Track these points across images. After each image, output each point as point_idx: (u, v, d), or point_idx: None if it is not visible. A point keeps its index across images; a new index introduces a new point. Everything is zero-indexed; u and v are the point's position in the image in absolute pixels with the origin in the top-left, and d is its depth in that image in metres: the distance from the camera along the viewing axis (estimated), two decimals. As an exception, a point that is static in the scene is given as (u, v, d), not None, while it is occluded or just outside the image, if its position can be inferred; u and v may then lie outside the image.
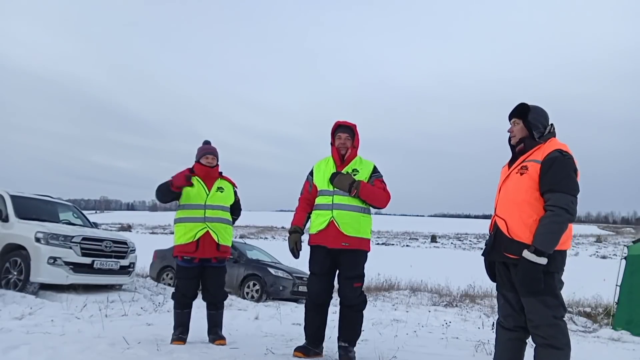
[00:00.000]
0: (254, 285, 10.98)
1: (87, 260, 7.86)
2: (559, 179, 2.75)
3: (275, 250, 15.02)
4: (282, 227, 70.70)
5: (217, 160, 4.66)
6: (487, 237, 3.12)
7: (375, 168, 4.10)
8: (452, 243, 63.53)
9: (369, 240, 4.01)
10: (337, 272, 4.02)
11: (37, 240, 7.50)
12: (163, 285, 10.56)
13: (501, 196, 3.00)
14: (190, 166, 4.65)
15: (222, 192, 4.62)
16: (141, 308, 7.09)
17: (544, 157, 2.82)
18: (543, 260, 2.68)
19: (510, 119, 3.08)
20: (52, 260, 7.48)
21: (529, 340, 2.93)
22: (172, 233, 4.69)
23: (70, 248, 7.70)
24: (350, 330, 3.96)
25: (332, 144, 4.11)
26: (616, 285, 9.62)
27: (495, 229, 2.98)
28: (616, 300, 9.55)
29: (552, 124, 3.02)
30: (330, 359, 4.02)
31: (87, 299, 7.15)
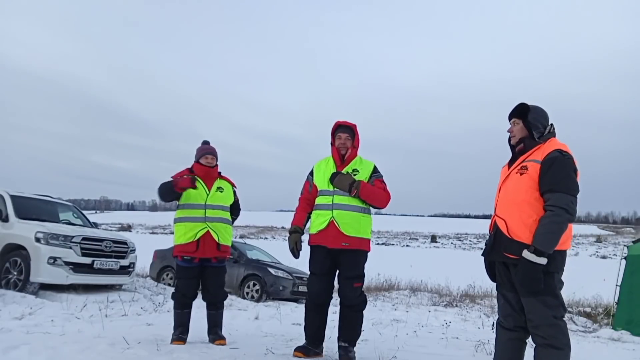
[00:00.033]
0: (254, 285, 10.98)
1: (87, 260, 7.86)
2: (558, 179, 2.75)
3: (275, 250, 15.02)
4: (282, 227, 70.70)
5: (217, 160, 4.67)
6: (487, 237, 3.12)
7: (375, 168, 4.10)
8: (452, 243, 63.54)
9: (369, 240, 4.01)
10: (337, 272, 4.02)
11: (37, 240, 7.50)
12: (163, 285, 10.56)
13: (501, 196, 3.00)
14: (190, 166, 4.66)
15: (221, 192, 4.62)
16: (141, 308, 7.09)
17: (544, 157, 2.82)
18: (543, 260, 2.68)
19: (510, 119, 3.08)
20: (52, 260, 7.48)
21: (529, 340, 2.93)
22: (172, 233, 4.69)
23: (70, 248, 7.70)
24: (350, 330, 3.96)
25: (332, 144, 4.11)
26: (616, 285, 9.62)
27: (495, 229, 2.98)
28: (616, 300, 9.55)
29: (552, 124, 3.02)
30: (330, 359, 4.02)
31: (87, 299, 7.15)
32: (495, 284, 3.11)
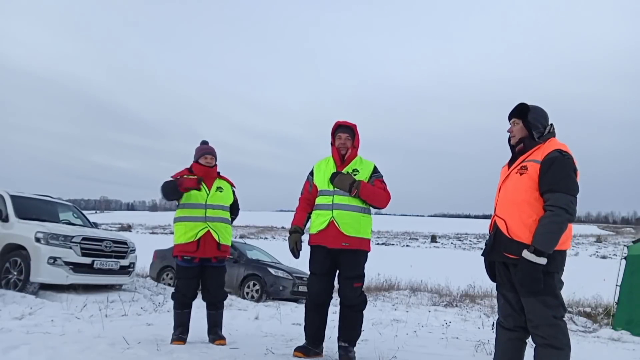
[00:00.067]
0: (254, 285, 10.98)
1: (87, 260, 7.86)
2: (558, 179, 2.75)
3: (275, 250, 15.02)
4: (282, 227, 70.71)
5: (216, 160, 4.67)
6: (487, 237, 3.12)
7: (375, 168, 4.10)
8: (452, 243, 63.53)
9: (369, 240, 4.01)
10: (337, 272, 4.02)
11: (37, 240, 7.50)
12: (163, 285, 10.56)
13: (501, 196, 3.00)
14: (189, 166, 4.66)
15: (221, 191, 4.62)
16: (141, 308, 7.09)
17: (544, 157, 2.82)
18: (543, 260, 2.68)
19: (509, 119, 3.08)
20: (52, 260, 7.48)
21: (529, 340, 2.93)
22: (172, 233, 4.69)
23: (70, 248, 7.70)
24: (351, 330, 3.96)
25: (333, 144, 4.11)
26: (616, 285, 9.62)
27: (495, 229, 2.98)
28: (616, 300, 9.55)
29: (551, 124, 3.02)
30: (330, 359, 4.02)
31: (87, 299, 7.15)
32: (495, 284, 3.11)
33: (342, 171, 3.99)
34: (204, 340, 4.52)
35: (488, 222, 3.14)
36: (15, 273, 7.53)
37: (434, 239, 66.11)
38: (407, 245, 58.90)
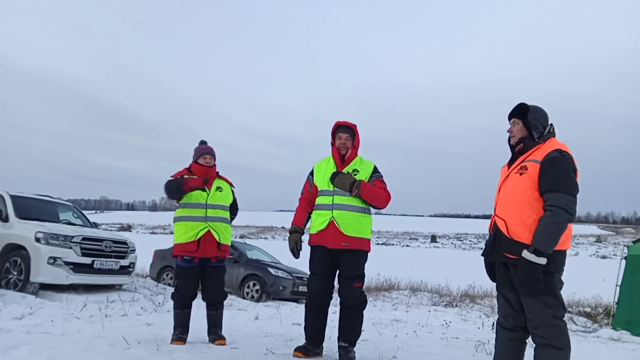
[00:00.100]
0: (254, 285, 10.98)
1: (87, 260, 7.86)
2: (558, 179, 2.75)
3: (275, 250, 15.02)
4: (282, 227, 70.73)
5: (215, 160, 4.67)
6: (487, 237, 3.12)
7: (375, 168, 4.10)
8: (452, 243, 63.55)
9: (369, 240, 4.01)
10: (338, 272, 4.02)
11: (37, 240, 7.50)
12: (163, 285, 10.57)
13: (501, 196, 3.00)
14: (187, 166, 4.66)
15: (221, 191, 4.63)
16: (141, 308, 7.09)
17: (544, 157, 2.82)
18: (542, 260, 2.68)
19: (509, 119, 3.08)
20: (52, 260, 7.48)
21: (529, 340, 2.93)
22: (172, 233, 4.69)
23: (70, 248, 7.70)
24: (351, 330, 3.96)
25: (333, 144, 4.11)
26: (616, 285, 9.62)
27: (494, 229, 2.98)
28: (616, 300, 9.55)
29: (551, 124, 3.02)
30: (330, 359, 4.02)
31: (87, 299, 7.15)
32: (495, 284, 3.11)
33: (343, 171, 3.99)
34: (204, 340, 4.52)
35: (488, 222, 3.14)
36: (15, 273, 7.53)
37: (434, 239, 66.12)
38: (407, 245, 58.92)
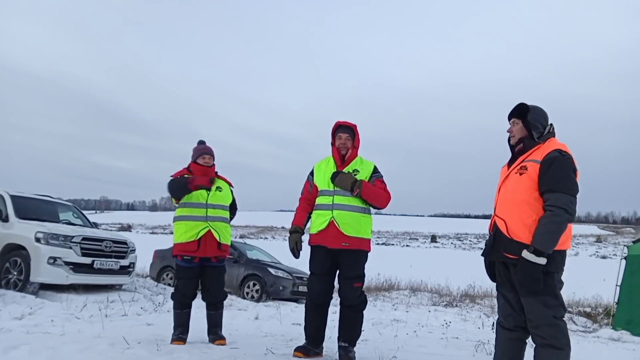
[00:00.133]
0: (254, 285, 10.98)
1: (87, 260, 7.86)
2: (558, 179, 2.75)
3: (275, 250, 15.03)
4: (282, 227, 70.74)
5: (214, 160, 4.67)
6: (487, 237, 3.12)
7: (375, 168, 4.11)
8: (452, 243, 63.55)
9: (369, 240, 4.01)
10: (338, 272, 4.02)
11: (37, 240, 7.50)
12: (163, 285, 10.57)
13: (500, 196, 3.00)
14: (186, 166, 4.66)
15: (220, 191, 4.63)
16: (141, 308, 7.09)
17: (543, 157, 2.82)
18: (542, 260, 2.68)
19: (509, 119, 3.08)
20: (52, 260, 7.48)
21: (529, 340, 2.93)
22: (172, 233, 4.68)
23: (70, 248, 7.70)
24: (351, 330, 3.96)
25: (333, 144, 4.11)
26: (616, 285, 9.62)
27: (494, 229, 2.98)
28: (616, 300, 9.55)
29: (551, 124, 3.02)
30: (330, 359, 4.02)
31: (87, 299, 7.15)
32: (495, 284, 3.11)
33: (343, 171, 3.99)
34: (204, 340, 4.52)
35: (488, 222, 3.14)
36: (15, 273, 7.53)
37: (434, 239, 66.13)
38: (407, 245, 58.92)
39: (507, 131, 3.09)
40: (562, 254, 2.83)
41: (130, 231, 60.75)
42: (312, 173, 4.19)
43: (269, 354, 4.09)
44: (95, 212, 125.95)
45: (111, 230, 15.46)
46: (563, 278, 2.86)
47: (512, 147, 3.07)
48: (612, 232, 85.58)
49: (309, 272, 4.11)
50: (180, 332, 4.43)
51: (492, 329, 6.87)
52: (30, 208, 8.39)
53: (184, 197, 4.49)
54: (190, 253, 4.40)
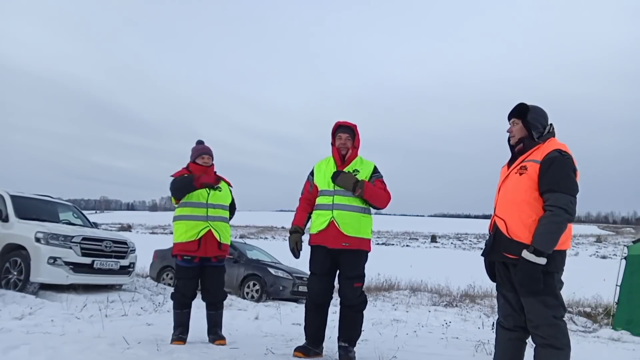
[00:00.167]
0: (254, 285, 10.98)
1: (87, 260, 7.86)
2: (558, 179, 2.75)
3: (275, 250, 15.03)
4: (282, 227, 70.74)
5: (212, 160, 4.67)
6: (487, 237, 3.12)
7: (375, 168, 4.11)
8: (452, 243, 63.55)
9: (369, 240, 4.01)
10: (338, 272, 4.02)
11: (37, 240, 7.50)
12: (163, 285, 10.57)
13: (500, 196, 3.00)
14: (185, 166, 4.66)
15: (220, 191, 4.63)
16: (141, 308, 7.09)
17: (543, 157, 2.82)
18: (542, 260, 2.68)
19: (509, 119, 3.08)
20: (52, 260, 7.48)
21: (529, 340, 2.93)
22: (172, 233, 4.68)
23: (70, 248, 7.70)
24: (351, 330, 3.96)
25: (333, 144, 4.11)
26: (616, 285, 9.62)
27: (494, 229, 2.98)
28: (616, 300, 9.55)
29: (551, 124, 3.02)
30: (330, 359, 4.02)
31: (87, 299, 7.15)
32: (495, 284, 3.12)
33: (344, 170, 3.99)
34: (204, 340, 4.52)
35: (488, 222, 3.14)
36: (15, 273, 7.53)
37: (434, 239, 66.12)
38: (407, 245, 58.91)
39: (507, 131, 3.09)
40: (562, 254, 2.83)
41: (130, 231, 60.75)
42: (312, 173, 4.19)
43: (269, 354, 4.09)
44: (95, 212, 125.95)
45: (111, 230, 15.46)
46: (563, 278, 2.86)
47: (512, 147, 3.07)
48: (612, 232, 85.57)
49: (309, 272, 4.11)
50: (180, 332, 4.43)
51: (492, 329, 6.87)
52: (30, 208, 8.40)
53: (185, 197, 4.49)
54: (191, 253, 4.40)
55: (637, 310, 8.90)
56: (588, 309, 11.35)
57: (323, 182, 4.03)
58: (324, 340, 4.07)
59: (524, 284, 2.74)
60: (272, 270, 11.08)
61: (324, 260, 3.95)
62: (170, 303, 4.71)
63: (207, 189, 4.50)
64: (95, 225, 9.38)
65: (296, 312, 8.14)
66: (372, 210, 4.09)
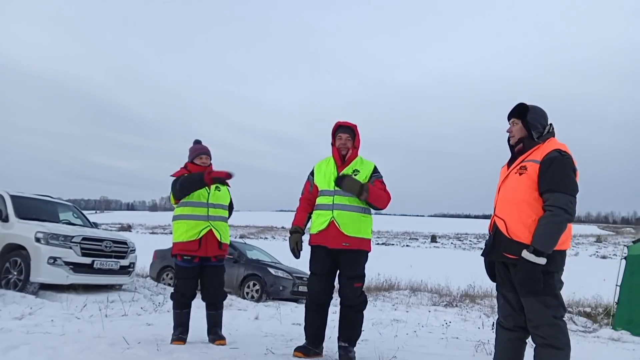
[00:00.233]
0: (254, 285, 10.98)
1: (87, 260, 7.86)
2: (557, 179, 2.75)
3: (275, 250, 15.02)
4: (282, 227, 70.75)
5: (210, 160, 4.66)
6: (487, 237, 3.12)
7: (375, 168, 4.11)
8: (452, 243, 63.55)
9: (369, 240, 4.02)
10: (338, 272, 4.02)
11: (37, 240, 7.50)
12: (163, 285, 10.57)
13: (500, 196, 3.00)
14: (183, 166, 4.65)
15: (219, 190, 4.63)
16: (141, 308, 7.09)
17: (543, 157, 2.82)
18: (542, 260, 2.68)
19: (509, 119, 3.08)
20: (52, 260, 7.48)
21: (529, 340, 2.93)
22: (172, 233, 4.67)
23: (70, 248, 7.70)
24: (351, 330, 3.96)
25: (333, 144, 4.11)
26: (616, 285, 9.62)
27: (494, 229, 2.98)
28: (616, 300, 9.55)
29: (551, 124, 3.02)
30: (330, 359, 4.02)
31: (87, 299, 7.15)
32: (495, 284, 3.12)
33: (343, 171, 3.98)
34: (204, 340, 4.52)
35: (488, 222, 3.14)
36: (15, 273, 7.53)
37: (434, 239, 66.11)
38: (407, 245, 58.91)
39: (507, 131, 3.09)
40: (562, 254, 2.83)
41: (130, 231, 60.75)
42: (312, 173, 4.19)
43: (269, 354, 4.09)
44: (95, 212, 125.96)
45: (111, 230, 15.46)
46: (563, 278, 2.86)
47: (511, 147, 3.07)
48: (612, 232, 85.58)
49: (309, 272, 4.11)
50: (180, 332, 4.43)
51: (492, 329, 6.87)
52: (30, 208, 8.39)
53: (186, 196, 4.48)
54: (191, 252, 4.40)
55: (637, 310, 8.90)
56: (588, 309, 11.34)
57: (323, 182, 4.03)
58: (324, 340, 4.07)
59: (524, 284, 2.74)
60: (272, 270, 11.08)
61: (324, 260, 3.95)
62: (170, 303, 4.71)
63: (207, 187, 4.49)
64: (95, 225, 9.38)
65: (296, 312, 8.14)
66: (372, 211, 4.09)
